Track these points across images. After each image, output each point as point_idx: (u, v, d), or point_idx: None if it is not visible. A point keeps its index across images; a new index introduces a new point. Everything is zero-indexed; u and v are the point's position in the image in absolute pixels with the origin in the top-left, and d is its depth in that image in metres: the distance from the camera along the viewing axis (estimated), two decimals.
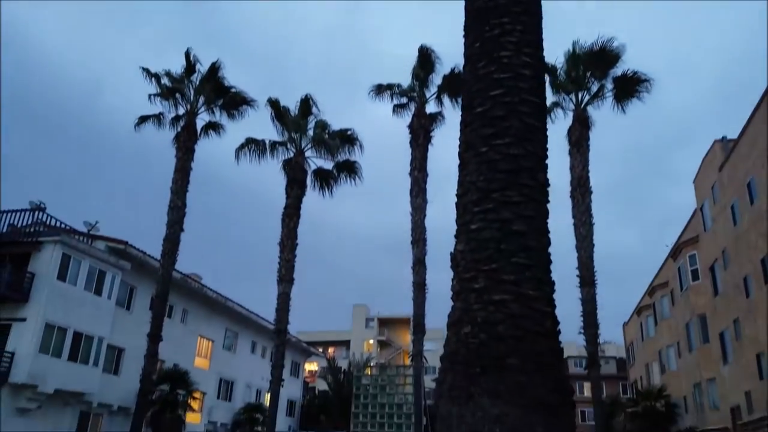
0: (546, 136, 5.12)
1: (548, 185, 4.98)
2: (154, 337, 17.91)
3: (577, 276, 18.15)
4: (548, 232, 4.84)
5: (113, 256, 24.85)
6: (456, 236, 5.07)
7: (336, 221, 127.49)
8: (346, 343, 67.73)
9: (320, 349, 56.95)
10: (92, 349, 23.32)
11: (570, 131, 21.25)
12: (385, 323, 69.55)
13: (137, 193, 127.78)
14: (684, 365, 36.51)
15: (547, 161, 5.06)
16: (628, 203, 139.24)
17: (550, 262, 4.77)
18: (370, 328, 70.55)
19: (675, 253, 36.11)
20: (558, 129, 22.13)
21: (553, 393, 4.16)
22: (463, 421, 4.28)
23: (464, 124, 5.33)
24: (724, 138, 29.41)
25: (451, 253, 5.13)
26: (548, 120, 21.38)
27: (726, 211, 27.90)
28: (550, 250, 4.76)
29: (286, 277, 20.05)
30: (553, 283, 4.67)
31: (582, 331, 17.40)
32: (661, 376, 41.20)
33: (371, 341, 69.20)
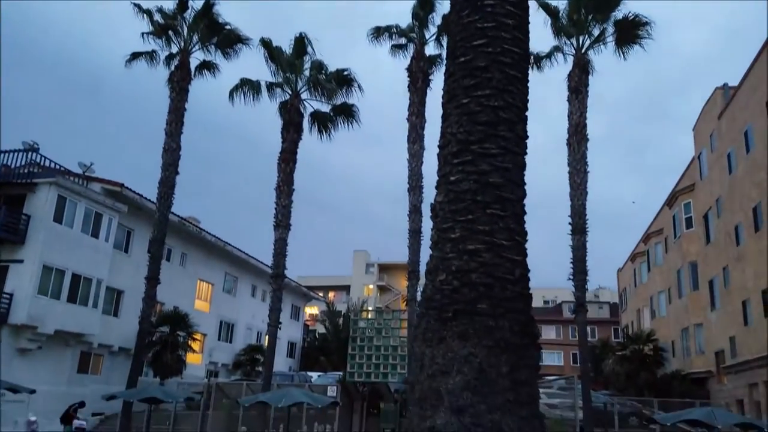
0: (527, 88, 5.14)
1: (526, 137, 5.05)
2: (152, 279, 18.27)
3: (569, 224, 18.35)
4: (524, 183, 4.95)
5: (109, 199, 25.00)
6: (436, 187, 5.18)
7: (340, 167, 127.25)
8: (346, 288, 68.92)
9: (321, 294, 58.08)
10: (91, 291, 23.79)
11: (569, 77, 20.95)
12: (384, 269, 70.51)
13: (132, 137, 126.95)
14: (673, 311, 37.33)
15: (527, 113, 5.11)
16: (632, 150, 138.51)
17: (524, 213, 4.91)
18: (370, 274, 71.62)
19: (671, 200, 36.30)
20: (560, 75, 21.84)
21: (518, 335, 4.39)
22: (434, 362, 4.53)
23: (448, 74, 5.35)
24: (725, 85, 29.07)
25: (431, 204, 5.26)
26: (549, 65, 21.00)
27: (722, 160, 27.90)
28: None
29: (282, 222, 20.21)
30: (525, 233, 4.82)
31: (571, 277, 17.74)
32: (651, 321, 42.17)
33: (371, 286, 70.38)
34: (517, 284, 4.63)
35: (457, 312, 4.58)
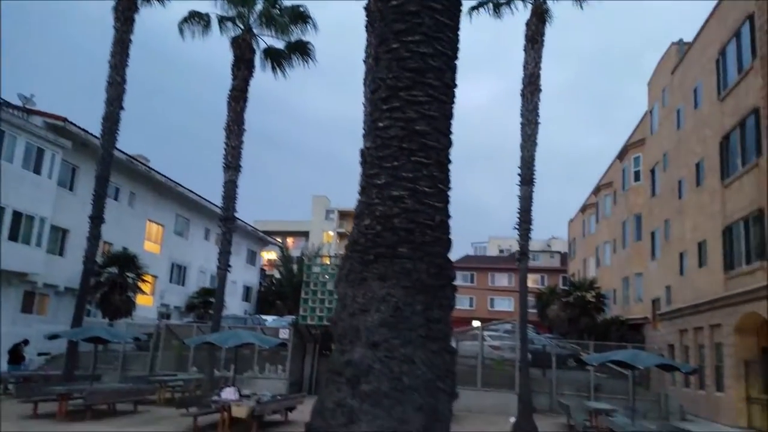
0: (458, 37, 5.15)
1: (455, 86, 5.10)
2: (96, 218, 17.86)
3: (519, 174, 18.66)
4: (450, 133, 5.03)
5: (52, 133, 24.05)
6: (367, 133, 5.22)
7: (301, 109, 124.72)
8: (305, 234, 68.90)
9: (279, 239, 57.96)
10: (34, 229, 23.16)
11: (527, 25, 20.81)
12: (345, 215, 70.68)
13: (76, 71, 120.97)
14: (617, 261, 38.95)
15: (456, 62, 5.14)
16: (595, 104, 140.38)
17: (448, 161, 5.01)
18: (330, 220, 71.55)
19: (622, 154, 37.25)
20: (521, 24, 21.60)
21: (434, 277, 4.58)
22: (355, 301, 4.70)
23: (381, 17, 5.31)
24: (680, 41, 29.49)
25: (360, 150, 5.30)
26: (508, 13, 20.75)
27: (672, 115, 28.60)
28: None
29: (232, 164, 19.90)
30: (448, 181, 4.95)
31: (517, 226, 18.18)
32: (596, 270, 43.98)
33: (331, 233, 70.49)
34: (437, 230, 4.79)
35: (378, 255, 4.74)
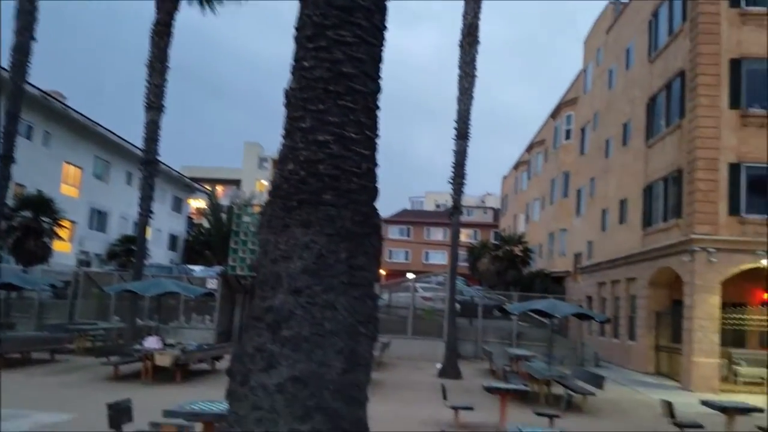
0: None
1: (384, 29, 4.87)
2: (6, 157, 16.56)
3: (455, 129, 18.68)
4: (379, 77, 4.85)
5: None
6: (291, 73, 4.95)
7: (237, 49, 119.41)
8: (236, 183, 67.10)
9: (208, 187, 56.14)
10: None
11: None
12: None
13: None
14: (544, 216, 40.35)
15: (386, 3, 4.91)
16: (540, 61, 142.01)
17: (377, 107, 4.84)
18: (263, 169, 69.62)
19: (555, 112, 38.06)
20: None
21: (359, 225, 4.48)
22: (277, 248, 4.58)
23: None
24: (616, 1, 29.98)
25: (284, 90, 5.03)
26: None
27: (605, 75, 29.30)
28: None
29: (155, 104, 18.85)
30: (376, 128, 4.79)
31: (451, 181, 18.34)
32: (526, 225, 45.49)
33: (264, 182, 68.87)
34: (363, 178, 4.64)
35: (302, 201, 4.58)
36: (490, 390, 11.39)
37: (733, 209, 17.48)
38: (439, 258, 61.25)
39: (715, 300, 17.21)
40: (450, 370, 16.97)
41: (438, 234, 66.08)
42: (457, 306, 21.13)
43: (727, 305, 17.45)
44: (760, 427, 10.44)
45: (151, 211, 19.23)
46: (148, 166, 19.19)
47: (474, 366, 19.86)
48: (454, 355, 17.49)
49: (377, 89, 4.80)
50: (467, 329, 24.58)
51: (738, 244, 17.21)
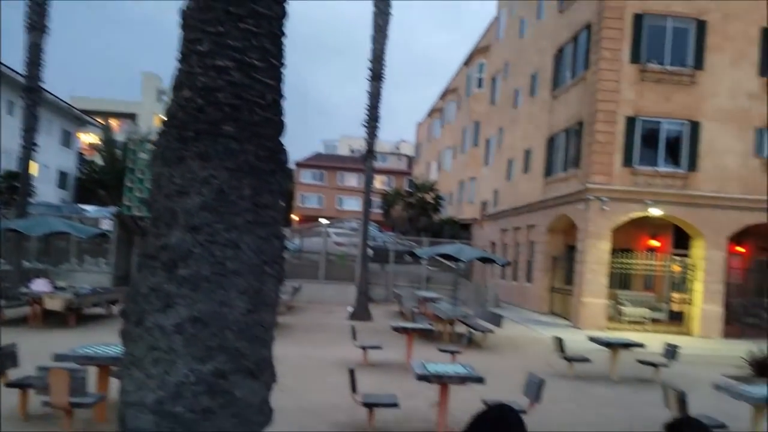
0: None
1: None
2: None
3: (369, 69, 18.36)
4: (285, 1, 4.54)
5: None
6: None
7: None
8: (133, 116, 62.98)
9: (101, 120, 52.18)
10: None
11: None
12: None
13: None
14: (456, 165, 41.23)
15: None
16: (460, 5, 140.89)
17: (282, 34, 4.55)
18: (162, 102, 65.48)
19: (468, 60, 38.35)
20: None
21: (264, 160, 4.26)
22: (172, 182, 4.27)
23: None
24: None
25: (181, 10, 4.60)
26: None
27: (517, 24, 29.59)
28: None
29: (37, 24, 17.05)
30: (282, 56, 4.52)
31: (365, 123, 18.15)
32: (438, 173, 46.34)
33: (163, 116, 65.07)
34: (268, 109, 4.38)
35: (199, 132, 4.26)
36: (397, 330, 11.71)
37: (627, 161, 18.57)
38: (353, 204, 61.28)
39: (606, 245, 18.43)
40: (361, 313, 17.29)
41: (352, 180, 65.83)
42: (370, 251, 21.37)
43: (616, 251, 18.74)
44: (640, 361, 11.50)
45: (36, 144, 17.80)
46: (31, 93, 17.62)
47: (385, 309, 20.34)
48: (365, 299, 17.79)
49: (282, 13, 4.50)
50: (379, 274, 25.05)
51: (629, 194, 18.39)
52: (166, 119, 4.43)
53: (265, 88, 4.35)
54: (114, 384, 6.36)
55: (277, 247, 4.51)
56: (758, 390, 7.34)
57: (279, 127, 4.54)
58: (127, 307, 4.24)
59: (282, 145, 4.57)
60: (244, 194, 4.28)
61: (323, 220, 43.09)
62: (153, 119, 61.95)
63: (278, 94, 4.47)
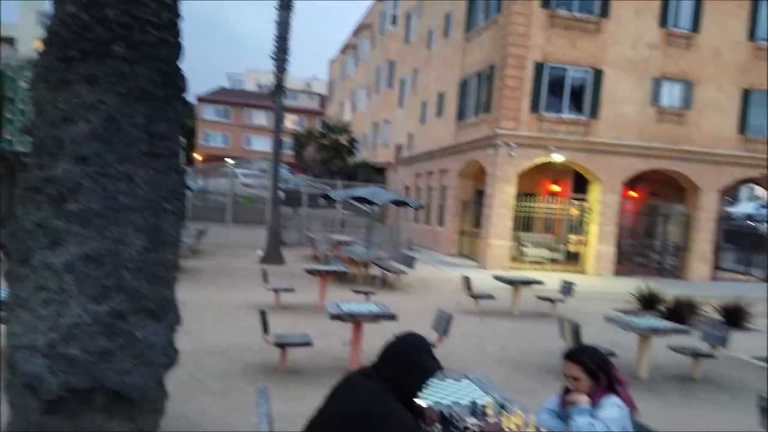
0: None
1: None
2: None
3: None
4: None
5: None
6: None
7: None
8: (10, 41, 56.90)
9: None
10: None
11: None
12: None
13: None
14: (370, 106, 40.82)
15: None
16: None
17: None
18: (44, 25, 59.51)
19: None
20: None
21: (160, 86, 3.92)
22: (56, 108, 3.85)
23: None
24: None
25: None
26: None
27: None
28: None
29: None
30: None
31: (274, 56, 17.33)
32: (352, 114, 45.74)
33: None
34: (163, 30, 4.00)
35: (85, 52, 3.83)
36: (311, 272, 11.66)
37: (534, 107, 19.10)
38: (263, 144, 59.25)
39: (512, 190, 19.12)
40: (273, 257, 17.04)
41: (261, 118, 63.24)
42: (281, 194, 20.97)
43: (520, 195, 19.50)
44: (539, 297, 12.22)
45: None
46: None
47: (298, 252, 20.21)
48: (277, 242, 17.51)
49: None
50: (292, 217, 24.75)
51: (535, 140, 19.02)
52: (47, 37, 3.96)
53: (160, 6, 3.95)
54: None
55: (176, 182, 4.20)
56: (644, 321, 8.07)
57: (176, 49, 4.16)
58: (9, 245, 3.86)
59: (180, 69, 4.20)
60: (137, 122, 3.92)
61: (229, 160, 41.64)
62: (33, 44, 56.17)
63: (174, 13, 4.08)
